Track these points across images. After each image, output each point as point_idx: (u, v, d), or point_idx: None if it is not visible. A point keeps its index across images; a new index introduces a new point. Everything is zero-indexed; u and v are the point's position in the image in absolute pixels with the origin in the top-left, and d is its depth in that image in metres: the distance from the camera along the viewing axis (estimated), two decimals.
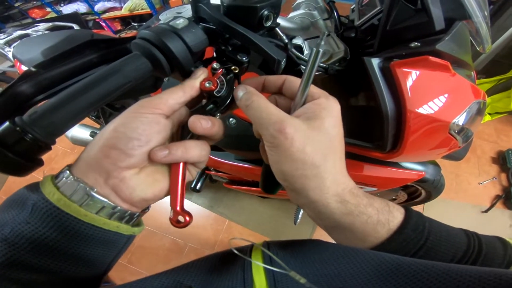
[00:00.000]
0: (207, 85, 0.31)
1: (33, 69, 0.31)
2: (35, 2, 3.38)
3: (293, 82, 0.32)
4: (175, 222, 0.29)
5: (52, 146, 0.26)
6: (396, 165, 0.81)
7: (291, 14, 0.66)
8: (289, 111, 0.31)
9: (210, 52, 0.38)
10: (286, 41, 0.58)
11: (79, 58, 0.34)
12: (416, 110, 0.52)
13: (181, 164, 0.29)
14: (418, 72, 0.50)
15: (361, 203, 0.30)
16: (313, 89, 0.31)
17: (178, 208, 0.29)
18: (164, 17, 0.70)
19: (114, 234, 0.28)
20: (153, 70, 0.30)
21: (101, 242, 0.28)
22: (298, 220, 1.22)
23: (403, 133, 0.55)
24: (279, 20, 0.57)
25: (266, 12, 0.35)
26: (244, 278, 0.29)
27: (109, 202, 0.26)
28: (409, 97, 0.51)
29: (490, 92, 1.94)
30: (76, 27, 1.68)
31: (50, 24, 1.65)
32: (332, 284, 0.26)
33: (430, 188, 1.09)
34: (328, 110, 0.29)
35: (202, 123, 0.29)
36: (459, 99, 0.55)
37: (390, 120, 0.54)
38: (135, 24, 3.25)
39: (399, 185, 0.84)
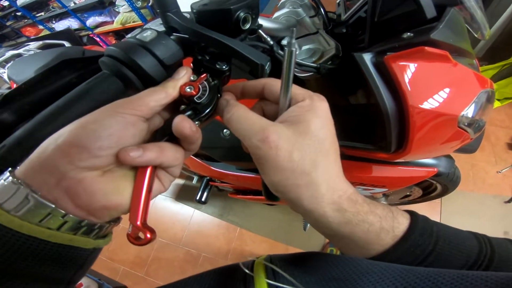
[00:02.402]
0: (188, 90, 0.28)
1: (11, 94, 0.29)
2: (26, 20, 3.47)
3: (274, 85, 0.30)
4: (134, 239, 0.25)
5: None
6: (405, 162, 0.77)
7: (276, 14, 0.63)
8: (275, 117, 0.29)
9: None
10: (272, 43, 0.55)
11: (58, 80, 0.33)
12: (419, 105, 0.48)
13: (148, 170, 0.25)
14: (415, 65, 0.46)
15: (361, 211, 0.27)
16: (296, 90, 0.29)
17: (138, 222, 0.24)
18: (153, 26, 0.68)
19: (68, 248, 0.23)
20: (125, 89, 0.28)
21: (49, 258, 0.22)
22: (308, 226, 1.18)
23: (408, 131, 0.51)
24: (262, 22, 0.54)
25: (242, 14, 0.33)
26: None
27: (56, 207, 0.21)
28: (409, 92, 0.47)
29: (496, 78, 1.87)
30: (67, 44, 1.70)
31: (41, 42, 1.68)
32: None
33: (446, 181, 1.04)
34: (314, 111, 0.27)
35: (190, 125, 0.26)
36: (464, 90, 0.50)
37: (391, 119, 0.50)
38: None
39: (409, 184, 0.79)
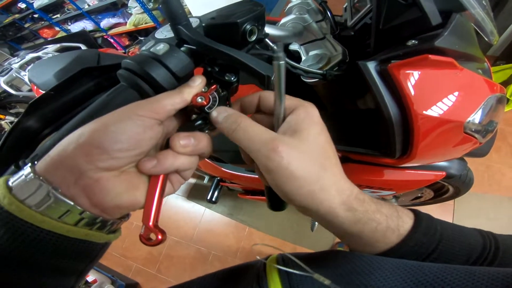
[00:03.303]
0: (199, 100, 0.30)
1: (36, 102, 0.31)
2: (43, 22, 3.59)
3: (268, 97, 0.31)
4: (145, 240, 0.26)
5: None
6: (412, 165, 0.76)
7: (283, 21, 0.63)
8: (272, 129, 0.29)
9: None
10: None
11: (78, 87, 0.35)
12: (424, 112, 0.47)
13: (161, 176, 0.27)
14: (419, 73, 0.46)
15: (369, 210, 0.29)
16: (288, 100, 0.30)
17: (150, 224, 0.26)
18: (160, 34, 0.70)
19: (83, 242, 0.25)
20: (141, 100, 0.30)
21: (67, 252, 0.24)
22: (316, 227, 1.18)
23: (412, 138, 0.51)
24: (268, 30, 0.55)
25: (248, 27, 0.34)
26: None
27: (74, 205, 0.23)
28: (413, 100, 0.47)
29: None
30: (83, 47, 1.76)
31: (58, 45, 1.73)
32: None
33: (458, 183, 1.01)
34: (309, 118, 0.28)
35: (180, 142, 0.27)
36: (471, 95, 0.49)
37: (395, 126, 0.50)
38: (142, 38, 3.34)
39: (417, 187, 0.79)
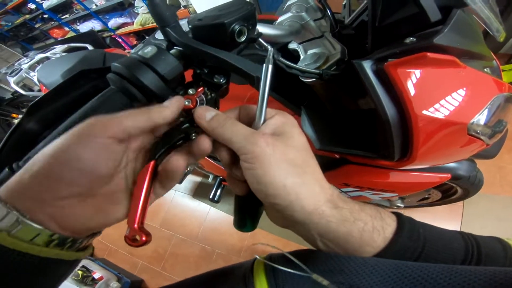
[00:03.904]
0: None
1: (37, 103, 0.32)
2: (53, 22, 3.68)
3: (249, 108, 0.32)
4: (130, 241, 0.26)
5: None
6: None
7: (280, 19, 0.61)
8: None
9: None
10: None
11: (76, 89, 0.35)
12: (423, 113, 0.45)
13: (146, 180, 0.27)
14: (418, 71, 0.43)
15: (354, 209, 0.29)
16: (267, 110, 0.30)
17: (135, 225, 0.26)
18: (159, 35, 0.69)
19: (54, 261, 0.24)
20: (130, 104, 0.30)
21: (38, 270, 0.24)
22: None
23: (411, 140, 0.48)
24: (263, 29, 0.53)
25: (237, 27, 0.33)
26: None
27: (44, 229, 0.23)
28: (412, 101, 0.44)
29: None
30: (90, 47, 1.78)
31: (66, 46, 1.76)
32: None
33: (466, 185, 0.98)
34: (289, 123, 0.29)
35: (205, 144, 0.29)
36: (475, 95, 0.47)
37: (393, 128, 0.48)
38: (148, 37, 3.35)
39: (421, 189, 0.76)
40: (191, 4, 2.31)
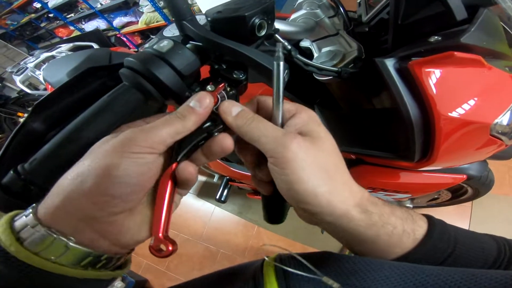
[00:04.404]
0: None
1: (42, 103, 0.30)
2: (58, 22, 3.67)
3: (266, 100, 0.30)
4: (156, 251, 0.25)
5: None
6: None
7: (293, 16, 0.61)
8: None
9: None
10: (289, 47, 0.53)
11: (83, 87, 0.33)
12: (449, 114, 0.44)
13: (169, 185, 0.26)
14: (444, 71, 0.42)
15: (384, 212, 0.28)
16: (287, 105, 0.29)
17: (160, 234, 0.25)
18: (168, 32, 0.68)
19: (93, 281, 0.24)
20: (145, 101, 0.28)
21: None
22: None
23: (433, 140, 0.48)
24: (278, 25, 0.53)
25: (257, 21, 0.32)
26: None
27: (93, 251, 0.22)
28: (436, 100, 0.43)
29: None
30: (95, 45, 1.77)
31: (71, 44, 1.76)
32: None
33: (477, 185, 0.97)
34: (313, 121, 0.28)
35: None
36: (499, 96, 0.46)
37: (416, 128, 0.47)
38: (154, 36, 3.34)
39: (435, 190, 0.75)
40: (196, 3, 2.30)
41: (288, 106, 0.29)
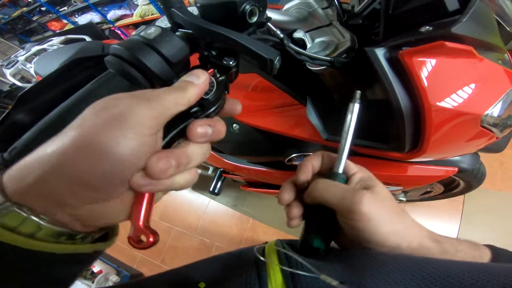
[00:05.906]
0: None
1: (26, 94, 0.30)
2: (51, 15, 3.58)
3: (331, 156, 0.36)
4: (135, 242, 0.23)
5: None
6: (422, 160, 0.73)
7: (287, 6, 0.60)
8: None
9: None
10: (282, 36, 0.53)
11: (70, 78, 0.33)
12: (438, 104, 0.44)
13: None
14: (434, 61, 0.42)
15: (452, 241, 0.31)
16: (349, 164, 0.35)
17: (140, 223, 0.23)
18: (161, 23, 0.66)
19: (71, 255, 0.22)
20: (131, 88, 0.27)
21: (58, 265, 0.22)
22: None
23: (424, 131, 0.48)
24: (271, 14, 0.52)
25: (248, 7, 0.31)
26: (259, 275, 0.28)
27: (66, 230, 0.21)
28: (426, 90, 0.43)
29: None
30: (87, 38, 1.75)
31: (63, 37, 1.73)
32: None
33: (469, 178, 0.98)
34: (372, 178, 0.33)
35: (198, 130, 0.25)
36: (490, 87, 0.46)
37: (406, 118, 0.47)
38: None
39: (427, 183, 0.76)
40: None
41: (348, 164, 0.35)
